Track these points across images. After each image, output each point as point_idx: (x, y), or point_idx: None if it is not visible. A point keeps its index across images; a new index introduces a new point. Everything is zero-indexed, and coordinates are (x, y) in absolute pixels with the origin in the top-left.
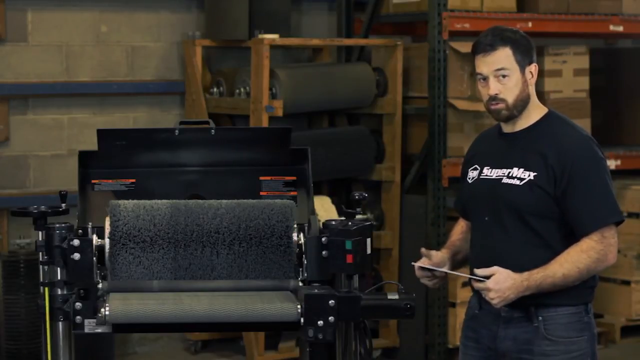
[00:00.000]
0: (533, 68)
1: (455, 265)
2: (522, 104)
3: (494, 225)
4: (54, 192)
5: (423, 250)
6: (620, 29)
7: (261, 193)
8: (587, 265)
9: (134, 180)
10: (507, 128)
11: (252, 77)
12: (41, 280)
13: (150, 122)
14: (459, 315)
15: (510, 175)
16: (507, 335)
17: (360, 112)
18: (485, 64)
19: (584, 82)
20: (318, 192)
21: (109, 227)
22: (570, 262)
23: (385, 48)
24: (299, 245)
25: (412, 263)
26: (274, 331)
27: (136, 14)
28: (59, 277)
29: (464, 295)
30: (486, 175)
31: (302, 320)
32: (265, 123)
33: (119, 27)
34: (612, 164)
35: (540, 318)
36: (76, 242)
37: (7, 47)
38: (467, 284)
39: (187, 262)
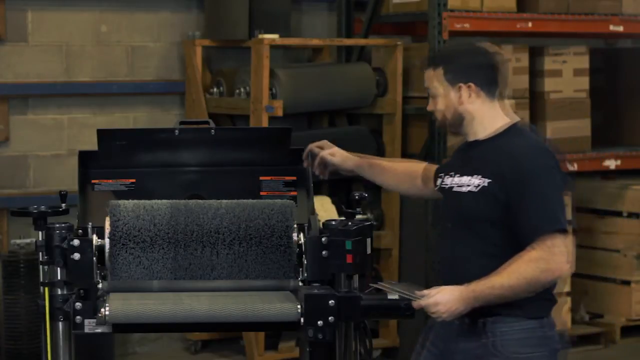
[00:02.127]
0: (465, 88)
1: (365, 174)
2: (455, 121)
3: (451, 233)
4: (54, 192)
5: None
6: (620, 29)
7: (261, 193)
8: (534, 276)
9: (134, 180)
10: (468, 137)
11: (252, 77)
12: (41, 280)
13: (150, 122)
14: None
15: (464, 183)
16: (458, 349)
17: (360, 112)
18: (425, 80)
19: (584, 82)
20: (318, 192)
21: (109, 227)
22: (516, 273)
23: (385, 48)
24: (299, 245)
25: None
26: (274, 331)
27: (136, 14)
28: (59, 277)
29: None
30: (445, 184)
31: (302, 320)
32: (265, 123)
33: (119, 27)
34: (612, 164)
35: (489, 333)
36: (76, 242)
37: (7, 47)
38: None
39: (187, 262)
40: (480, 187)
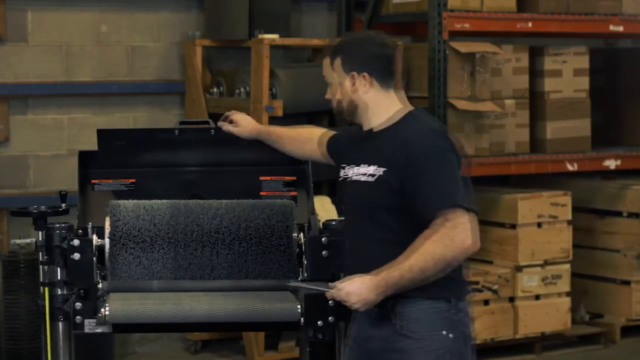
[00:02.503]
0: (360, 77)
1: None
2: (350, 110)
3: (353, 224)
4: (54, 192)
5: (229, 113)
6: (620, 29)
7: (261, 193)
8: (440, 254)
9: (134, 180)
10: (364, 126)
11: (252, 77)
12: (41, 280)
13: (150, 122)
14: None
15: (361, 173)
16: (374, 335)
17: None
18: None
19: (584, 82)
20: (318, 192)
21: (109, 227)
22: (423, 255)
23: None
24: (299, 245)
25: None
26: (274, 331)
27: (136, 14)
28: (59, 277)
29: None
30: (346, 175)
31: (302, 320)
32: (265, 123)
33: (119, 27)
34: (612, 164)
35: (397, 315)
36: (76, 242)
37: (7, 47)
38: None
39: (187, 262)
40: (376, 176)
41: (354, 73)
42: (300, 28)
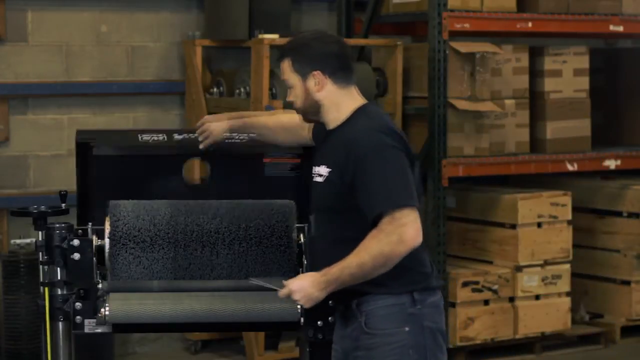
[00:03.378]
0: (316, 75)
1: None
2: (312, 110)
3: (316, 225)
4: (54, 192)
5: (198, 131)
6: (620, 29)
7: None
8: (378, 251)
9: None
10: (327, 127)
11: (252, 77)
12: (41, 280)
13: (151, 122)
14: (459, 316)
15: (316, 173)
16: (345, 334)
17: None
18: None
19: (584, 82)
20: None
21: (109, 227)
22: (362, 251)
23: (385, 48)
24: (299, 245)
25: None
26: (274, 331)
27: (136, 14)
28: (59, 277)
29: (464, 295)
30: (312, 174)
31: (302, 320)
32: None
33: (119, 27)
34: (612, 164)
35: (360, 313)
36: (76, 242)
37: (7, 47)
38: (467, 283)
39: (187, 262)
40: (325, 177)
41: (308, 73)
42: (300, 28)
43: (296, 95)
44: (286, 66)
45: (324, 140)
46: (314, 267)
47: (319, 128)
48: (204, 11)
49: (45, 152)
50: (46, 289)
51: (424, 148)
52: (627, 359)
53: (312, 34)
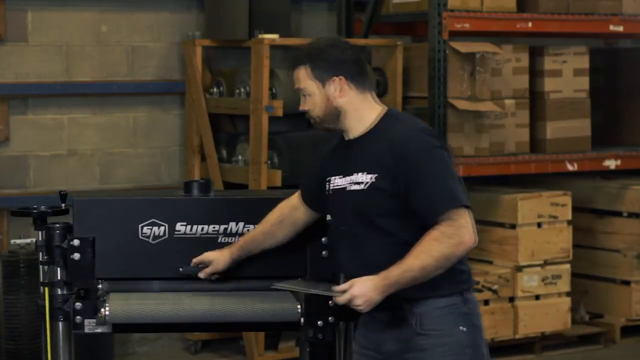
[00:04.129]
0: (337, 81)
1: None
2: (332, 117)
3: (351, 234)
4: (54, 192)
5: (196, 260)
6: (620, 29)
7: None
8: (441, 252)
9: None
10: (346, 135)
11: (252, 77)
12: (41, 280)
13: (150, 122)
14: None
15: (353, 181)
16: (390, 337)
17: None
18: (294, 81)
19: (584, 82)
20: None
21: None
22: (424, 253)
23: (385, 48)
24: None
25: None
26: (274, 331)
27: (136, 14)
28: (59, 277)
29: None
30: (335, 185)
31: (302, 320)
32: (265, 123)
33: (119, 27)
34: (612, 164)
35: (411, 315)
36: (76, 242)
37: (7, 47)
38: None
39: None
40: (368, 183)
41: (330, 79)
42: (300, 28)
43: (314, 103)
44: (303, 74)
45: (346, 149)
46: (348, 277)
47: (313, 170)
48: (204, 11)
49: (45, 152)
50: (46, 289)
51: None
52: (627, 359)
53: (326, 40)
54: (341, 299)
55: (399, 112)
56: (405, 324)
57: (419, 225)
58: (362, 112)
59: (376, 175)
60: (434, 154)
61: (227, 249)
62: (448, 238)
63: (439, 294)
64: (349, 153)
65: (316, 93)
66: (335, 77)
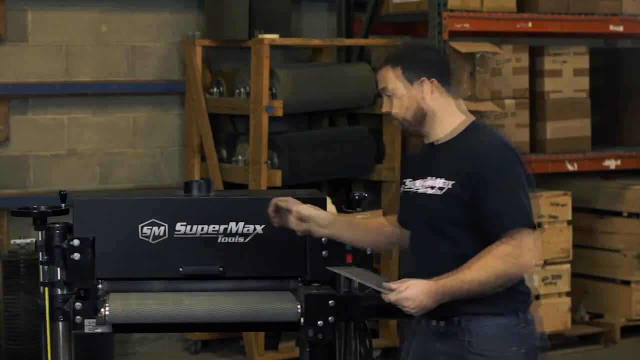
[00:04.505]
0: (428, 83)
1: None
2: (417, 120)
3: (420, 237)
4: (54, 192)
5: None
6: (620, 29)
7: None
8: (502, 271)
9: None
10: (427, 139)
11: (252, 77)
12: (41, 280)
13: (150, 122)
14: None
15: (429, 185)
16: (439, 350)
17: (360, 112)
18: (378, 81)
19: (584, 82)
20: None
21: None
22: (486, 268)
23: (385, 48)
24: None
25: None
26: (274, 331)
27: (136, 14)
28: (59, 277)
29: None
30: (409, 188)
31: (302, 320)
32: (265, 123)
33: (119, 27)
34: (612, 164)
35: (465, 332)
36: (76, 242)
37: (7, 47)
38: None
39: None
40: (445, 189)
41: (423, 80)
42: (300, 28)
43: (401, 105)
44: (392, 75)
45: (427, 153)
46: (404, 277)
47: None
48: (204, 11)
49: (45, 152)
50: (46, 289)
51: None
52: (627, 359)
53: (413, 42)
54: (392, 297)
55: (484, 124)
56: (456, 338)
57: (484, 240)
58: (446, 117)
59: (454, 182)
60: (510, 170)
61: (332, 214)
62: (510, 257)
63: (495, 312)
64: (430, 157)
65: (405, 95)
66: (426, 79)
